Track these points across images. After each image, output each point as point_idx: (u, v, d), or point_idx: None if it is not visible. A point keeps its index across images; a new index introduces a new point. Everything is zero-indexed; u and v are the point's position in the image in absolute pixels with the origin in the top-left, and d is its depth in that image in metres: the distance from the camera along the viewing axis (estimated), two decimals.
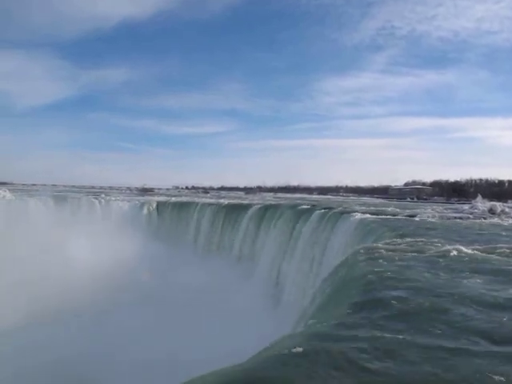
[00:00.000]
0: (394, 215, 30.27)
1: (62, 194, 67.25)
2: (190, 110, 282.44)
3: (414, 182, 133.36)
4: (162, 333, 25.40)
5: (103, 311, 30.23)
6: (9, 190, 62.96)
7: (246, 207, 49.01)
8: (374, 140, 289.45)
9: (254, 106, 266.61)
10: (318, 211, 34.86)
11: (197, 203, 57.49)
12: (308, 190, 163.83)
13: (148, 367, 21.04)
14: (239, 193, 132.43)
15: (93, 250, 40.12)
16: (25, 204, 52.20)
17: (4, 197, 54.23)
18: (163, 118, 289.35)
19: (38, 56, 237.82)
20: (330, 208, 36.27)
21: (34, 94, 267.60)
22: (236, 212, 48.83)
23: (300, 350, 6.06)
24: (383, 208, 39.15)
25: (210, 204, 55.45)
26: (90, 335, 26.56)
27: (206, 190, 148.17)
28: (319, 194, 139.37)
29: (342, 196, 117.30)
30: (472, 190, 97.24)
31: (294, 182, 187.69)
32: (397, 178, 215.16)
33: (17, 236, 41.05)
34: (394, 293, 8.94)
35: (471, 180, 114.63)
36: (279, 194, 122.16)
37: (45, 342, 24.98)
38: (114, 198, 63.50)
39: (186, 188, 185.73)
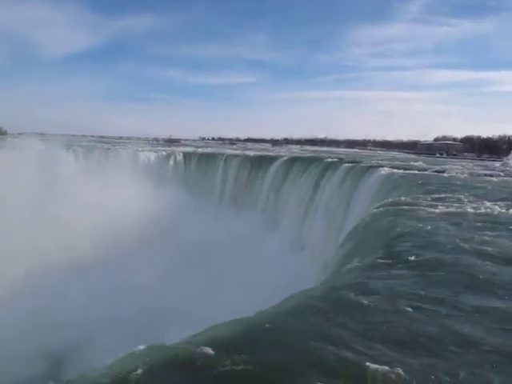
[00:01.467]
0: (422, 170, 29.78)
1: (90, 145, 68.04)
2: (217, 60, 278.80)
3: (444, 138, 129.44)
4: (186, 284, 25.99)
5: (127, 262, 30.99)
6: (39, 140, 63.97)
7: (273, 159, 48.80)
8: (404, 93, 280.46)
9: (281, 58, 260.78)
10: (344, 165, 34.53)
11: (223, 154, 57.31)
12: (335, 142, 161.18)
13: (168, 321, 21.15)
14: (265, 145, 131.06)
15: (119, 200, 40.70)
16: (54, 154, 53.00)
17: (35, 146, 55.11)
18: (190, 68, 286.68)
19: (62, 4, 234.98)
20: (357, 162, 35.89)
21: (60, 43, 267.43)
22: (262, 164, 48.63)
23: (319, 301, 6.21)
24: (411, 163, 38.49)
25: (236, 155, 55.23)
26: (112, 286, 27.33)
27: (232, 142, 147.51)
28: (346, 147, 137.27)
29: (370, 150, 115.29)
30: (505, 146, 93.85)
31: (322, 135, 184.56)
32: (426, 133, 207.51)
33: (45, 186, 41.73)
34: (416, 248, 8.96)
35: (504, 136, 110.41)
36: (306, 147, 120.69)
37: (64, 290, 26.29)
38: (140, 149, 63.88)
39: (213, 139, 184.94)
